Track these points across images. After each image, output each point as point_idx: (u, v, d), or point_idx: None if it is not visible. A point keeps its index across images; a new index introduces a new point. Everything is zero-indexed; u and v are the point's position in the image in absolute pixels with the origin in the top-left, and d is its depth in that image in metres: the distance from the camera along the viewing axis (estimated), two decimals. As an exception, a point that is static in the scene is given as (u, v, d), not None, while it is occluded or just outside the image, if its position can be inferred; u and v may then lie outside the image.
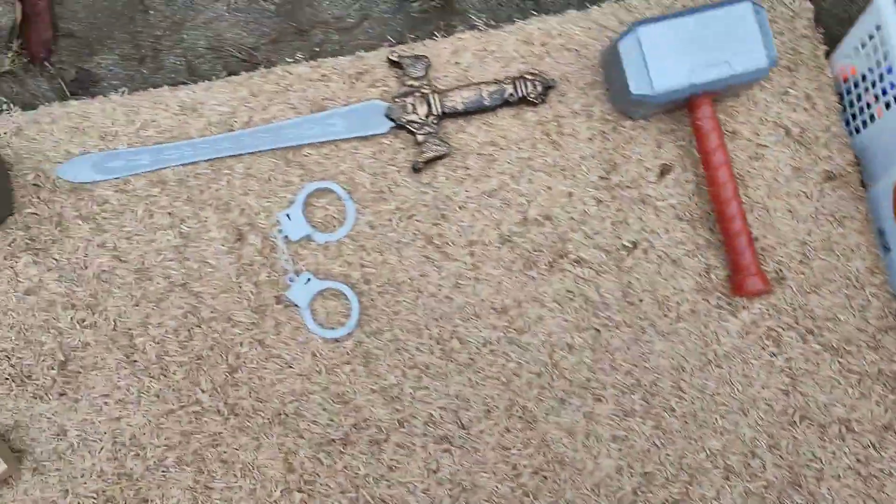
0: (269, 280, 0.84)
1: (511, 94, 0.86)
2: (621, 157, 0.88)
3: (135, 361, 0.83)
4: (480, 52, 0.89)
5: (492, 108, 0.87)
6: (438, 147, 0.85)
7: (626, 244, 0.87)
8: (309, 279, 0.83)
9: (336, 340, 0.84)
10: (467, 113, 0.87)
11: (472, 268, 0.86)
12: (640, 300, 0.86)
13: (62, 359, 0.82)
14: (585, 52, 0.90)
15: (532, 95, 0.86)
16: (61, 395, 0.82)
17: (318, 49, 0.93)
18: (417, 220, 0.86)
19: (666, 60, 0.80)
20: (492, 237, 0.86)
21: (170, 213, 0.85)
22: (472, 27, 0.92)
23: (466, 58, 0.89)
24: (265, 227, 0.85)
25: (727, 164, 0.83)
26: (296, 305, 0.84)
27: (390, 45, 0.91)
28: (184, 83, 0.89)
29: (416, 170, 0.86)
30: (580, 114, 0.88)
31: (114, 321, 0.83)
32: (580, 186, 0.87)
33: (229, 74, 0.91)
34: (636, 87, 0.81)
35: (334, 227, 0.86)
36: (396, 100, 0.86)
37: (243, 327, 0.84)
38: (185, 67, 0.93)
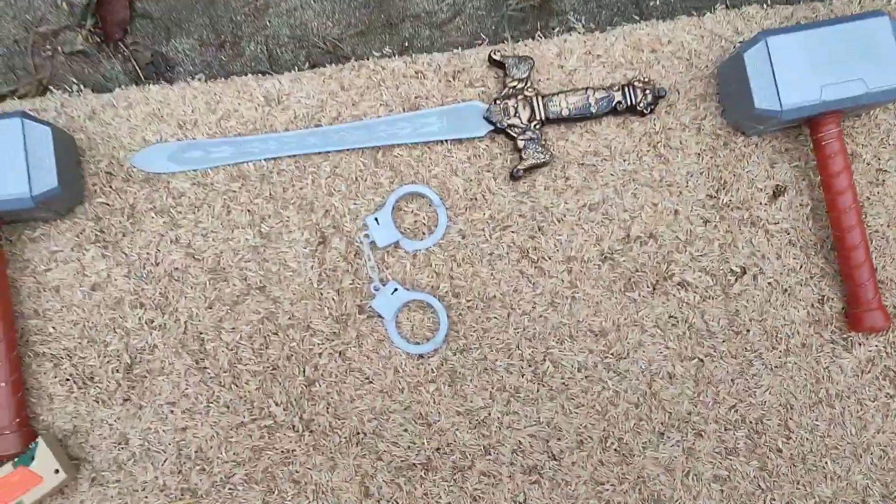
0: (353, 288, 0.79)
1: (619, 102, 0.81)
2: (731, 176, 0.82)
3: (205, 368, 0.77)
4: (586, 55, 0.83)
5: (597, 116, 0.81)
6: (539, 154, 0.79)
7: (735, 269, 0.81)
8: (396, 289, 0.78)
9: (421, 356, 0.78)
10: (571, 119, 0.81)
11: (569, 286, 0.80)
12: (748, 330, 0.80)
13: (128, 361, 0.77)
14: (697, 61, 0.84)
15: (641, 104, 0.81)
16: (125, 400, 0.76)
17: (406, 44, 0.88)
18: (512, 232, 0.80)
19: (796, 74, 0.74)
20: (591, 254, 0.80)
21: (249, 211, 0.79)
22: (570, 30, 0.86)
23: (572, 61, 0.83)
24: (350, 231, 0.79)
25: (851, 188, 0.77)
26: (380, 316, 0.78)
27: (484, 44, 0.85)
28: (263, 73, 0.84)
29: (514, 177, 0.80)
30: (689, 127, 0.83)
31: (184, 323, 0.77)
32: (687, 204, 0.81)
33: (312, 66, 0.85)
34: (761, 101, 0.75)
35: (424, 234, 0.80)
36: (497, 101, 0.80)
37: (323, 337, 0.78)
38: (266, 56, 0.87)
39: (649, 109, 0.81)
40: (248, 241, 0.79)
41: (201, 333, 0.77)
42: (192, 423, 0.76)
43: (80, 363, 0.76)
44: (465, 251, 0.80)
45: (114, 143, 0.80)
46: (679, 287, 0.80)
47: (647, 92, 0.81)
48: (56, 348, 0.76)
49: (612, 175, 0.82)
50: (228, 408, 0.76)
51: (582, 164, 0.82)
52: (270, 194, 0.80)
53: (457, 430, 0.77)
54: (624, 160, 0.82)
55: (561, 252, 0.80)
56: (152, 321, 0.77)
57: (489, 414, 0.77)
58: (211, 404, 0.76)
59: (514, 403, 0.78)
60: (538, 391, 0.78)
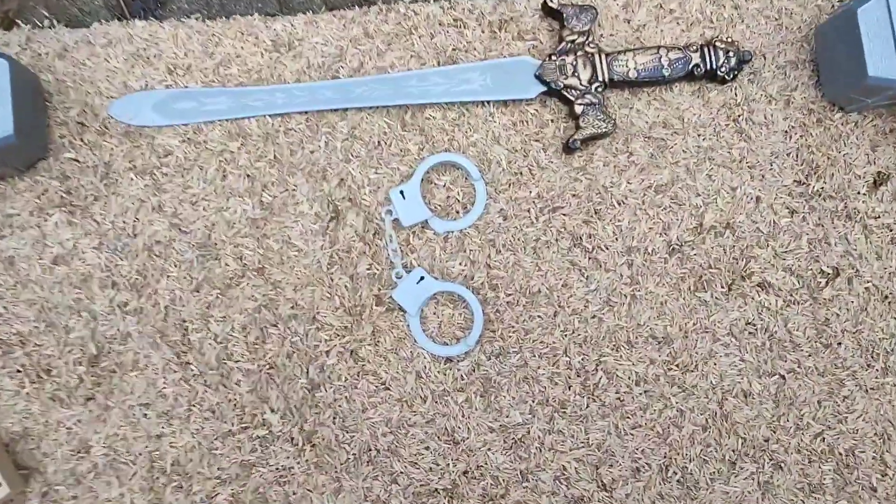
0: (370, 274, 0.65)
1: (697, 66, 0.67)
2: (825, 159, 0.69)
3: (187, 364, 0.63)
4: (657, 8, 0.70)
5: (670, 81, 0.68)
6: (601, 122, 0.66)
7: (825, 270, 0.67)
8: (422, 278, 0.64)
9: (449, 359, 0.65)
10: (638, 84, 0.68)
11: (629, 282, 0.66)
12: (839, 343, 0.66)
13: (94, 352, 0.63)
14: (789, 21, 0.70)
15: (723, 69, 0.67)
16: (88, 399, 0.63)
17: (441, -9, 0.74)
18: (564, 214, 0.67)
19: (920, 36, 0.61)
20: (657, 245, 0.67)
21: (249, 177, 0.66)
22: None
23: (640, 14, 0.70)
24: (370, 206, 0.66)
25: (974, 178, 0.64)
26: (401, 310, 0.64)
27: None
28: (272, 14, 0.70)
29: (568, 149, 0.66)
30: (777, 99, 0.69)
31: (165, 309, 0.64)
32: (770, 190, 0.68)
33: (331, 8, 0.71)
34: (877, 68, 0.62)
35: (458, 213, 0.67)
36: (552, 58, 0.67)
37: (332, 332, 0.64)
38: (276, -2, 0.74)
39: (732, 76, 0.68)
40: (245, 212, 0.65)
41: (185, 322, 0.64)
42: (169, 430, 0.62)
43: (36, 352, 0.63)
44: (506, 235, 0.66)
45: (88, 88, 0.66)
46: (759, 289, 0.67)
47: (731, 55, 0.68)
48: (6, 332, 0.63)
49: (683, 152, 0.68)
50: (214, 413, 0.63)
51: (649, 137, 0.68)
52: (275, 157, 0.66)
53: (489, 449, 0.64)
54: (698, 135, 0.69)
55: (620, 241, 0.67)
56: (126, 304, 0.64)
57: (528, 432, 0.64)
58: (193, 408, 0.63)
59: (558, 420, 0.64)
60: (587, 407, 0.65)
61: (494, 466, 0.64)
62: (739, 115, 0.69)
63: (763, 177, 0.68)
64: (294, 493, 0.62)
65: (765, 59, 0.70)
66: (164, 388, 0.63)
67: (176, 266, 0.64)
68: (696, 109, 0.69)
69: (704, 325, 0.66)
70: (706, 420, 0.65)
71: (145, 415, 0.63)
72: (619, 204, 0.67)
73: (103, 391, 0.63)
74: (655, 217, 0.67)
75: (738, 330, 0.66)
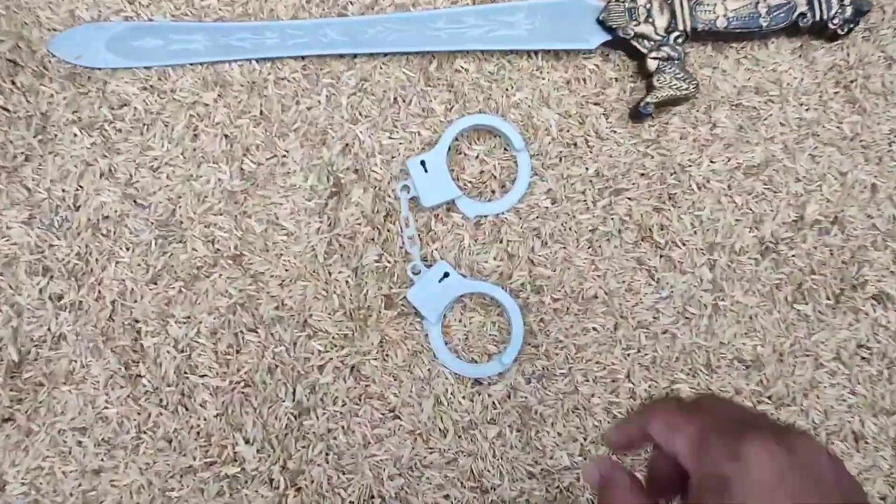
0: (379, 268, 0.50)
1: (803, 16, 0.53)
2: (958, 140, 0.54)
3: (138, 377, 0.49)
4: (751, -56, 0.55)
5: (766, 34, 0.53)
6: (680, 83, 0.51)
7: (958, 280, 0.53)
8: (446, 275, 0.49)
9: (478, 382, 0.50)
10: (726, 36, 0.53)
11: (710, 288, 0.52)
12: (976, 374, 0.52)
13: (14, 359, 0.48)
14: (915, -34, 0.56)
15: (836, 21, 0.53)
16: (5, 420, 0.48)
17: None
18: (629, 199, 0.52)
19: None
20: (746, 242, 0.52)
21: (227, 137, 0.51)
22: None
23: (730, -50, 0.55)
24: (381, 180, 0.51)
25: None
26: (418, 315, 0.50)
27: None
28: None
29: (639, 116, 0.52)
30: (899, 63, 0.55)
31: (111, 305, 0.49)
32: (890, 177, 0.54)
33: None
34: None
35: (492, 193, 0.52)
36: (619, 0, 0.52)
37: (327, 341, 0.50)
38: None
39: (845, 30, 0.53)
40: (221, 182, 0.51)
41: (137, 322, 0.49)
42: (110, 464, 0.48)
43: (-61, 356, 0.48)
44: (554, 223, 0.52)
45: (24, 17, 0.51)
46: (874, 302, 0.52)
47: (845, 3, 0.53)
48: None
49: (781, 125, 0.54)
50: (171, 443, 0.48)
51: (737, 105, 0.54)
52: (262, 114, 0.51)
53: (527, 500, 0.49)
54: (800, 104, 0.54)
55: (700, 236, 0.52)
56: (61, 297, 0.49)
57: (578, 479, 0.49)
58: (144, 435, 0.48)
59: (617, 464, 0.50)
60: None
61: (533, 522, 0.49)
62: (852, 81, 0.54)
63: (880, 159, 0.54)
64: (271, 551, 0.47)
65: (884, 12, 0.56)
66: (107, 408, 0.48)
67: (128, 249, 0.50)
68: (798, 72, 0.54)
69: (805, 347, 0.52)
70: (805, 468, 0.50)
71: (80, 442, 0.48)
72: (700, 188, 0.53)
73: (25, 410, 0.48)
74: (744, 206, 0.53)
75: (848, 354, 0.52)
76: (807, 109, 0.54)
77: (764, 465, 0.29)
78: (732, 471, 0.29)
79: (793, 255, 0.52)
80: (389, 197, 0.51)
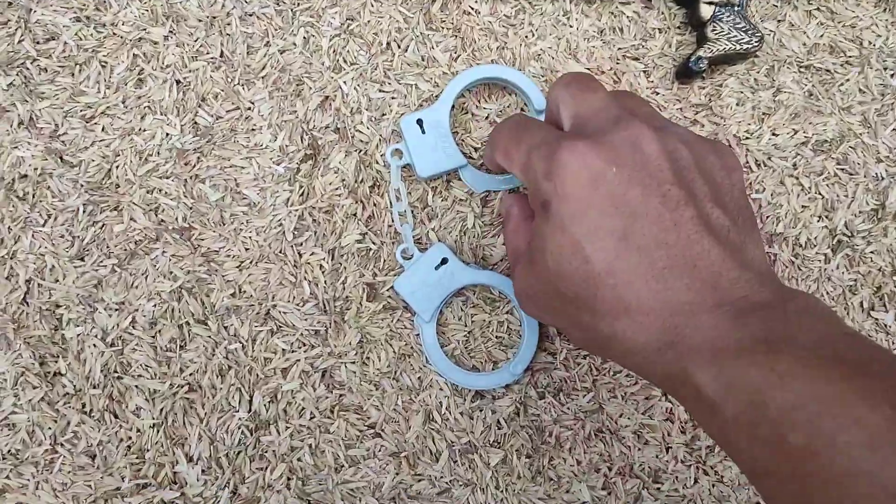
0: (361, 250, 0.41)
1: (893, -44, 0.43)
2: None
3: (56, 376, 0.39)
4: None
5: (847, -21, 0.44)
6: (741, 35, 0.42)
7: None
8: (444, 261, 0.40)
9: (480, 395, 0.40)
10: (798, -20, 0.43)
11: (768, 288, 0.42)
12: None
13: None
14: None
15: (932, -35, 0.43)
16: None
17: None
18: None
19: None
20: (814, 233, 0.43)
21: (180, 84, 0.41)
22: None
23: None
24: (367, 142, 0.42)
25: None
26: (408, 310, 0.40)
27: None
28: None
29: (688, 74, 0.42)
30: None
31: (25, 285, 0.40)
32: None
33: None
34: None
35: (506, 162, 0.42)
36: (669, -73, 0.42)
37: (294, 338, 0.40)
38: None
39: (943, -22, 0.43)
40: (170, 138, 0.41)
41: (58, 307, 0.39)
42: (17, 483, 0.38)
43: None
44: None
45: (-69, -74, 0.42)
46: (967, 312, 0.43)
47: (945, -56, 0.43)
48: None
49: (860, 93, 0.44)
50: (94, 459, 0.38)
51: (807, 66, 0.44)
52: (223, 56, 0.42)
53: (535, 543, 0.39)
54: (884, 68, 0.44)
55: (759, 222, 0.42)
56: (-37, 273, 0.39)
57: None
58: (61, 448, 0.38)
59: (648, 501, 0.40)
60: (696, 482, 0.40)
61: (542, 571, 0.39)
62: (947, 42, 0.45)
63: (978, 139, 0.44)
64: None
65: None
66: (15, 412, 0.39)
67: (50, 217, 0.40)
68: (882, 29, 0.44)
69: (882, 364, 0.42)
70: None
71: (-20, 455, 0.38)
72: (759, 165, 0.43)
73: (-88, 413, 0.38)
74: (813, 190, 0.43)
75: (934, 374, 0.42)
76: (892, 74, 0.44)
77: (575, 176, 0.29)
78: (548, 191, 0.30)
79: (871, 252, 0.43)
80: (377, 163, 0.41)
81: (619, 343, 0.29)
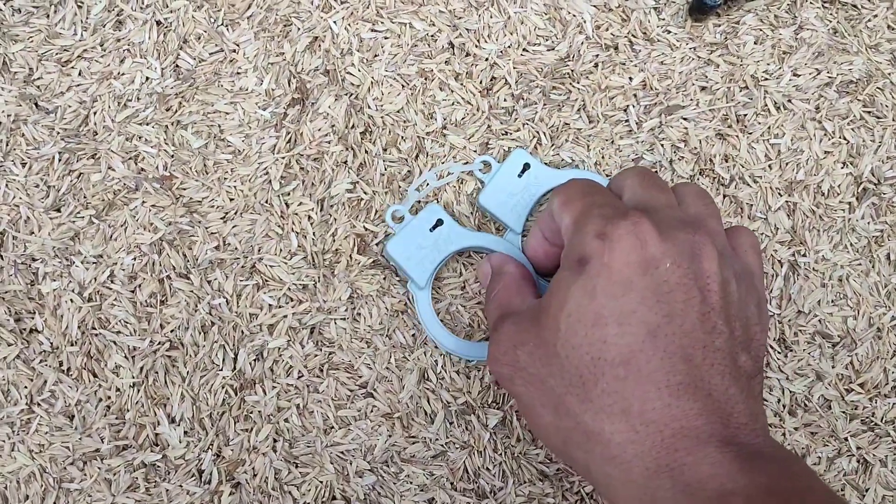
0: (353, 199, 0.38)
1: None
2: None
3: (32, 333, 0.37)
4: None
5: None
6: (759, -34, 0.38)
7: None
8: (440, 222, 0.37)
9: (478, 366, 0.38)
10: None
11: (788, 239, 0.39)
12: None
13: None
14: None
15: None
16: None
17: None
18: (685, 119, 0.40)
19: None
20: (837, 181, 0.40)
21: (160, 24, 0.39)
22: None
23: None
24: (359, 85, 0.39)
25: None
26: (398, 274, 0.38)
27: None
28: None
29: (704, 8, 0.39)
30: None
31: (0, 236, 0.38)
32: None
33: None
34: None
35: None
36: None
37: (281, 293, 0.38)
38: None
39: None
40: (150, 82, 0.39)
41: (33, 261, 0.38)
42: (-8, 443, 0.36)
43: None
44: (587, 150, 0.39)
45: None
46: None
47: None
48: None
49: (889, 29, 0.41)
50: (72, 420, 0.37)
51: (831, 1, 0.41)
52: (204, -7, 0.39)
53: (537, 509, 0.37)
54: (916, 3, 0.41)
55: (777, 171, 0.39)
56: (-66, 225, 0.38)
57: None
58: (37, 408, 0.37)
59: (657, 466, 0.38)
60: (707, 446, 0.38)
61: (545, 538, 0.37)
62: (985, -25, 0.41)
63: None
64: (199, 565, 0.36)
65: None
66: (-10, 370, 0.37)
67: (24, 165, 0.38)
68: (914, -40, 0.41)
69: (911, 321, 0.39)
70: (906, 480, 0.38)
71: (-47, 415, 0.37)
72: (778, 108, 0.40)
73: None
74: (837, 135, 0.40)
75: (968, 332, 0.39)
76: (924, 10, 0.41)
77: (629, 249, 0.27)
78: (593, 250, 0.28)
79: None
80: (369, 108, 0.39)
81: (600, 444, 0.27)
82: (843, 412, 0.38)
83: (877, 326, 0.39)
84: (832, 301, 0.39)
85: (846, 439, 0.38)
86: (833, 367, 0.39)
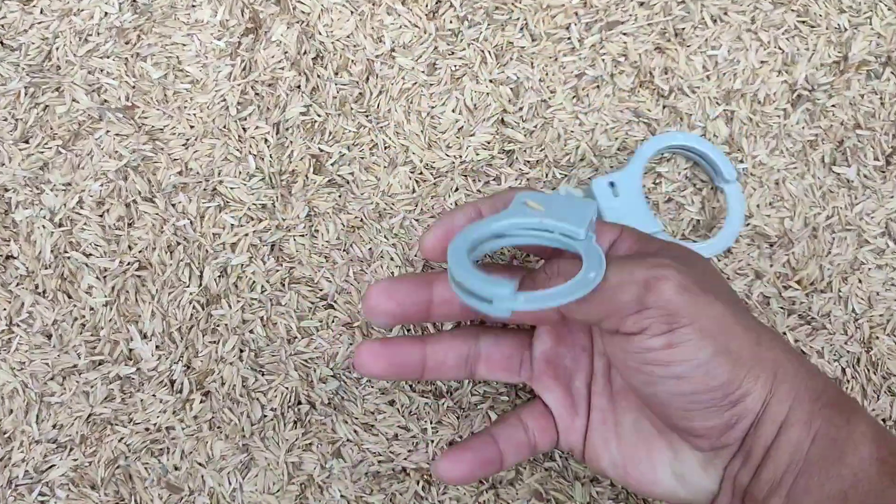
0: (307, 122, 0.40)
1: None
2: None
3: (9, 259, 0.39)
4: None
5: None
6: None
7: None
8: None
9: (432, 266, 0.40)
10: None
11: (726, 147, 0.41)
12: None
13: None
14: None
15: None
16: None
17: None
18: (625, 34, 0.41)
19: None
20: (773, 89, 0.41)
21: (113, -41, 0.41)
22: None
23: None
24: (309, 13, 0.41)
25: None
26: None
27: None
28: None
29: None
30: None
31: (-27, 168, 0.39)
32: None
33: None
34: None
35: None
36: None
37: (242, 213, 0.40)
38: None
39: None
40: (108, 17, 0.40)
41: (6, 191, 0.40)
42: (-24, 363, 0.39)
43: None
44: (531, 68, 0.41)
45: None
46: (935, 164, 0.41)
47: None
48: None
49: (821, -59, 0.42)
50: (50, 338, 0.39)
51: (765, -85, 0.42)
52: (156, -71, 0.41)
53: (492, 406, 0.39)
54: (846, -86, 0.42)
55: (715, 81, 0.41)
56: None
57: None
58: (17, 329, 0.39)
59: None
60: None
61: (500, 435, 0.39)
62: None
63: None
64: (176, 469, 0.38)
65: None
66: (-30, 295, 0.39)
67: (-9, 100, 0.40)
68: None
69: (846, 220, 0.41)
70: (842, 370, 0.40)
71: (-62, 337, 0.39)
72: (715, 21, 0.42)
73: None
74: (772, 44, 0.42)
75: (901, 230, 0.41)
76: (854, -80, 0.42)
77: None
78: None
79: (833, 106, 0.41)
80: (320, 34, 0.41)
81: None
82: (782, 308, 0.40)
83: (812, 226, 0.41)
84: (770, 203, 0.41)
85: (785, 333, 0.40)
86: (771, 265, 0.41)
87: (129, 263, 0.39)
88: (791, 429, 0.27)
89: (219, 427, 0.39)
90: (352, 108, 0.40)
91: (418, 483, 0.38)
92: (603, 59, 0.41)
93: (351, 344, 0.39)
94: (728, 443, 0.29)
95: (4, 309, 0.39)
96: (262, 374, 0.39)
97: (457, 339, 0.35)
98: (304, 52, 0.40)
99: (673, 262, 0.27)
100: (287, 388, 0.39)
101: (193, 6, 0.40)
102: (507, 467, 0.34)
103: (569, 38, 0.41)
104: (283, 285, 0.40)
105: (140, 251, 0.39)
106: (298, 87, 0.40)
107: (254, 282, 0.39)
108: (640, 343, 0.27)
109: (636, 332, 0.27)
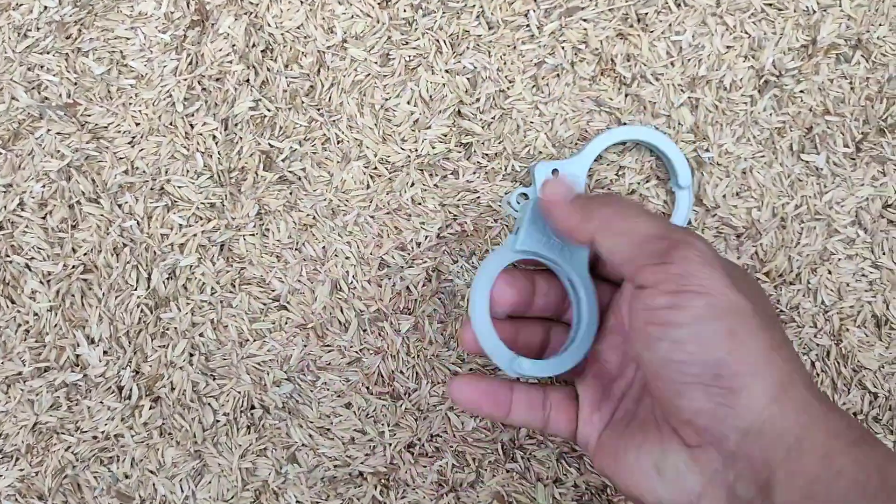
0: (256, 117, 0.39)
1: None
2: None
3: (-51, 262, 0.38)
4: None
5: None
6: None
7: None
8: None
9: (387, 264, 0.39)
10: None
11: (692, 135, 0.40)
12: None
13: None
14: None
15: None
16: None
17: None
18: (585, 20, 0.40)
19: None
20: (739, 74, 0.40)
21: (51, -49, 0.39)
22: None
23: None
24: (257, 3, 0.39)
25: None
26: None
27: None
28: None
29: None
30: None
31: None
32: (931, -12, 0.40)
33: None
34: None
35: (405, 17, 0.39)
36: None
37: (190, 212, 0.38)
38: None
39: None
40: (48, 11, 0.39)
41: (-56, 193, 0.38)
42: (-82, 372, 0.37)
43: None
44: (498, 55, 0.39)
45: None
46: (907, 150, 0.40)
47: None
48: None
49: (788, -80, 0.40)
50: (-7, 344, 0.38)
51: None
52: (95, -82, 0.39)
53: (451, 407, 0.38)
54: None
55: (679, 67, 0.40)
56: None
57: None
58: (-41, 335, 0.38)
59: (568, 363, 0.39)
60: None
61: (460, 436, 0.38)
62: None
63: (921, -36, 0.41)
64: (126, 478, 0.37)
65: None
66: None
67: (-73, 100, 0.38)
68: None
69: (815, 209, 0.40)
70: (811, 363, 0.39)
71: None
72: (679, 5, 0.40)
73: None
74: (738, 29, 0.40)
75: (871, 217, 0.40)
76: None
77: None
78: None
79: (801, 92, 0.40)
80: (269, 26, 0.39)
81: None
82: (749, 301, 0.39)
83: (780, 216, 0.40)
84: (736, 193, 0.40)
85: (753, 327, 0.39)
86: (738, 257, 0.39)
87: (73, 267, 0.38)
88: (805, 457, 0.26)
89: (170, 433, 0.37)
90: (303, 102, 0.39)
91: (376, 487, 0.37)
92: (563, 47, 0.40)
93: (305, 345, 0.38)
94: (716, 438, 0.27)
95: (-54, 316, 0.38)
96: (214, 379, 0.38)
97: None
98: (253, 45, 0.39)
99: (710, 247, 0.28)
100: (239, 393, 0.38)
101: (136, -2, 0.39)
102: (512, 422, 0.33)
103: (527, 26, 0.40)
104: (234, 286, 0.38)
105: (85, 254, 0.38)
106: (247, 80, 0.39)
107: (203, 283, 0.38)
108: (649, 299, 0.27)
109: (649, 285, 0.27)
